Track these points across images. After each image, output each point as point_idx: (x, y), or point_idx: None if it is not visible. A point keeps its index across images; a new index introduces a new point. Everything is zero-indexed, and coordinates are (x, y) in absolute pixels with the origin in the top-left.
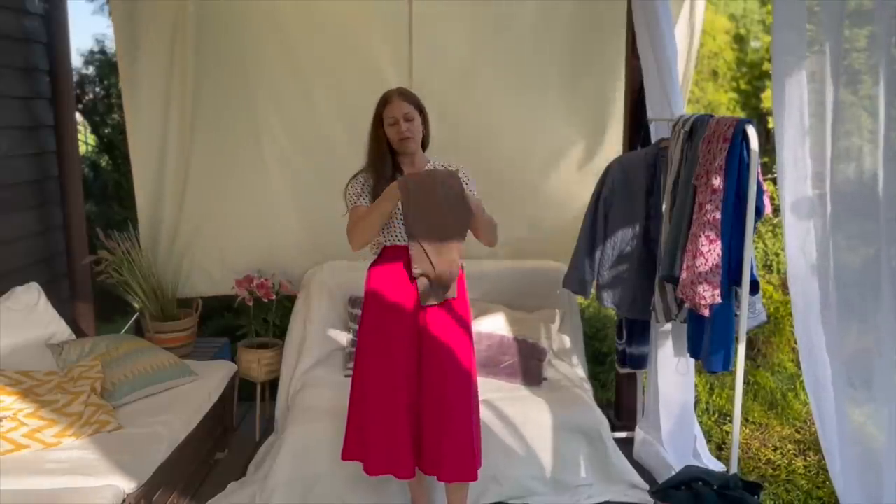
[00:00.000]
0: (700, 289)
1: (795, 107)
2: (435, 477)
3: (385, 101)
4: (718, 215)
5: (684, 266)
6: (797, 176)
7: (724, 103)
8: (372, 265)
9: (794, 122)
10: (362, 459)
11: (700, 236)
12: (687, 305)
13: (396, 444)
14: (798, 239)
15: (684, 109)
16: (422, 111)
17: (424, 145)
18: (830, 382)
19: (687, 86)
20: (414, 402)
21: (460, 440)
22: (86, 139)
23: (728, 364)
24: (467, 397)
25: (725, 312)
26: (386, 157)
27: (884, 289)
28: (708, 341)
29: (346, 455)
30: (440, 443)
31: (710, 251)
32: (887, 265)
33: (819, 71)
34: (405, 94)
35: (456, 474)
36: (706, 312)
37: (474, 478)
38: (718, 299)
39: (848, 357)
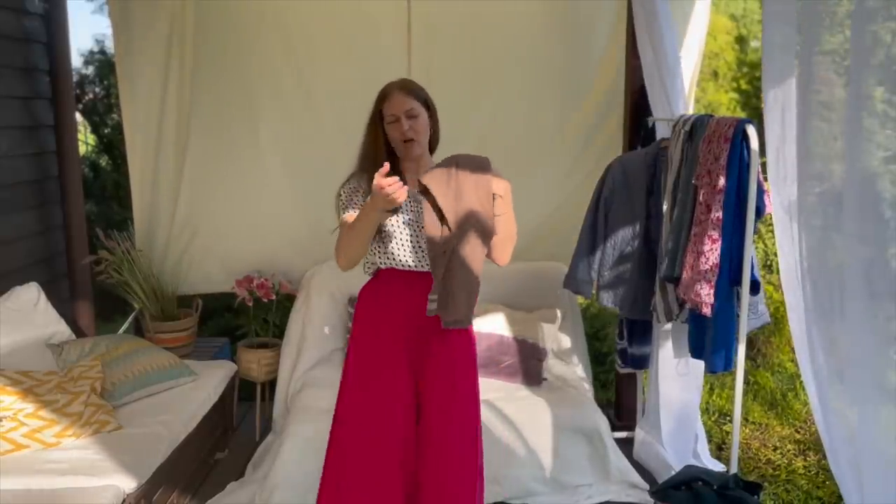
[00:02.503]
0: (697, 287)
1: (778, 106)
2: None
3: (384, 96)
4: (721, 215)
5: (686, 266)
6: (779, 176)
7: (725, 103)
8: (364, 289)
9: (776, 121)
10: None
11: (703, 236)
12: (688, 305)
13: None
14: (785, 238)
15: (692, 108)
16: (429, 106)
17: (433, 146)
18: (826, 381)
19: (693, 86)
20: (409, 458)
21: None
22: (86, 139)
23: (729, 364)
24: (471, 457)
25: (727, 312)
26: (381, 160)
27: (864, 288)
28: (710, 341)
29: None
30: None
31: (711, 250)
32: (884, 266)
33: (816, 71)
34: (408, 88)
35: None
36: (707, 312)
37: None
38: (712, 298)
39: (838, 356)
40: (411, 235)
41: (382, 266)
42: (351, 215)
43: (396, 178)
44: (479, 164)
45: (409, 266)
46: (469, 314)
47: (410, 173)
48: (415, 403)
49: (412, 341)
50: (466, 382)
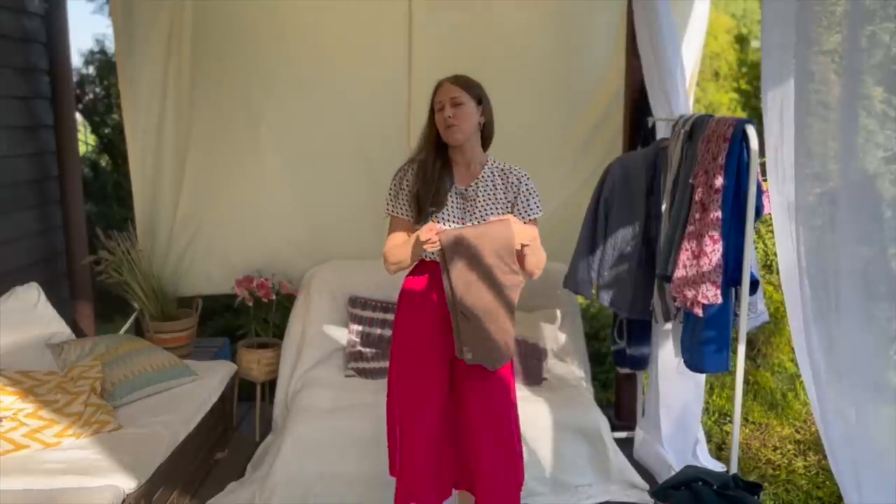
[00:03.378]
0: (703, 288)
1: (777, 106)
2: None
3: (436, 88)
4: (720, 214)
5: (679, 265)
6: (778, 176)
7: (725, 104)
8: (408, 278)
9: (775, 121)
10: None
11: (704, 236)
12: (677, 303)
13: (432, 475)
14: (785, 238)
15: (692, 108)
16: (480, 100)
17: (486, 142)
18: (825, 381)
19: (692, 86)
20: (448, 435)
21: (494, 482)
22: (86, 139)
23: (727, 364)
24: (507, 438)
25: (725, 312)
26: (430, 149)
27: (864, 288)
28: (697, 341)
29: (393, 471)
30: (493, 474)
31: (713, 251)
32: (883, 266)
33: (815, 70)
34: (458, 79)
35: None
36: (699, 312)
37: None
38: (720, 299)
39: (838, 356)
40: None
41: (427, 259)
42: (397, 227)
43: (432, 229)
44: (499, 235)
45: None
46: (496, 358)
47: (460, 169)
48: (448, 383)
49: (449, 326)
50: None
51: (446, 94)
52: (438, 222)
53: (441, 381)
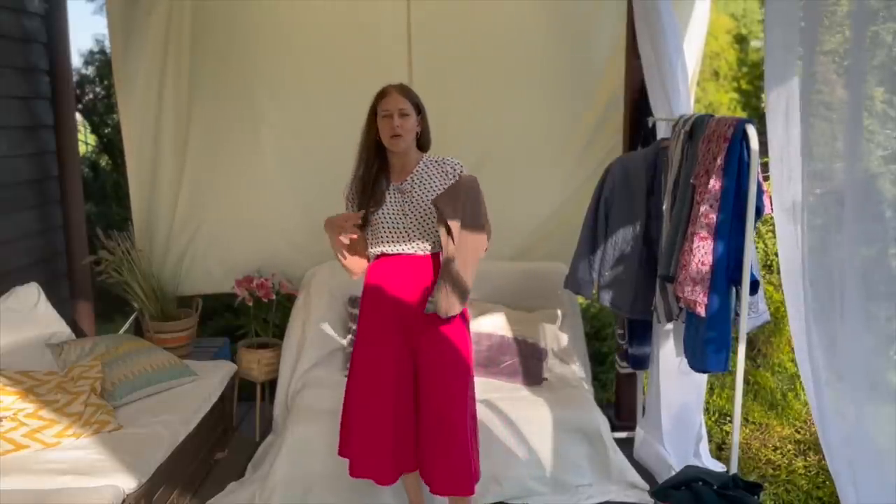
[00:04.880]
0: (687, 286)
1: (781, 106)
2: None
3: (382, 94)
4: (713, 215)
5: (682, 265)
6: (782, 176)
7: (725, 103)
8: (368, 270)
9: (779, 121)
10: (349, 458)
11: (694, 235)
12: (680, 304)
13: (377, 451)
14: (787, 238)
15: (692, 108)
16: (420, 110)
17: (424, 146)
18: (825, 381)
19: (693, 85)
20: (405, 414)
21: (458, 459)
22: (86, 139)
23: (727, 364)
24: (465, 414)
25: (725, 312)
26: (371, 152)
27: (864, 288)
28: (700, 341)
29: (341, 451)
30: (436, 462)
31: (698, 247)
32: (884, 266)
33: (818, 71)
34: (404, 90)
35: (451, 489)
36: (701, 311)
37: (471, 492)
38: (697, 296)
39: (838, 356)
40: (395, 225)
41: (378, 253)
42: None
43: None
44: (474, 190)
45: (396, 251)
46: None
47: (396, 169)
48: (410, 360)
49: (406, 315)
50: (456, 339)
51: (395, 105)
52: (379, 219)
53: (400, 364)
